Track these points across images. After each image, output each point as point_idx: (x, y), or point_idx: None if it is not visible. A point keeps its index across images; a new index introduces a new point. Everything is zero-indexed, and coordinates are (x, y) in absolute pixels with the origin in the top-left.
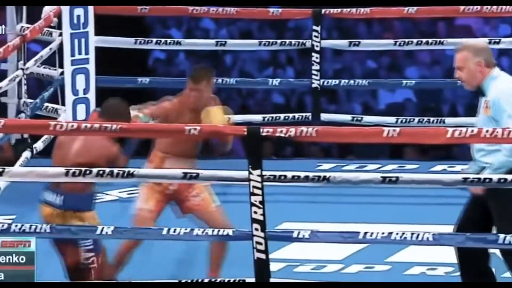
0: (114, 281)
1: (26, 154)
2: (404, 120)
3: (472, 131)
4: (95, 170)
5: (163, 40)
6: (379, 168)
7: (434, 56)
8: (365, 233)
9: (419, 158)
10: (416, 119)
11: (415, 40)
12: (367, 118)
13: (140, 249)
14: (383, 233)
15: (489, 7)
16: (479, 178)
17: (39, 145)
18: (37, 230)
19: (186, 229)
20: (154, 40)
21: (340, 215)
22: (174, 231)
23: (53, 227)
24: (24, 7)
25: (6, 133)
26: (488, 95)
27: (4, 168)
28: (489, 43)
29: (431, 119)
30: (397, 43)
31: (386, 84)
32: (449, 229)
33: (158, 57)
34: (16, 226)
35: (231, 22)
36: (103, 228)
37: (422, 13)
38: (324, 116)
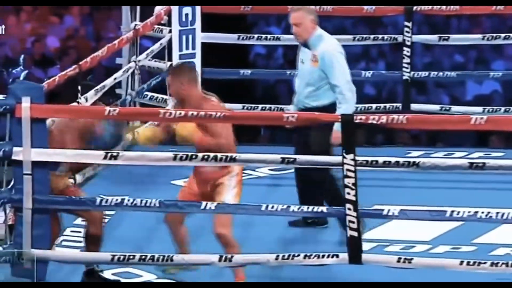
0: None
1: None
2: (490, 110)
3: None
4: (200, 155)
5: (263, 36)
6: (466, 155)
7: None
8: (452, 211)
9: (505, 147)
10: (503, 109)
11: (502, 35)
12: (455, 108)
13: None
14: (469, 211)
15: None
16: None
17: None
18: (147, 205)
19: (283, 206)
20: (256, 36)
21: (427, 200)
22: (272, 208)
23: (162, 202)
24: (138, 7)
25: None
26: (316, 49)
27: (119, 152)
28: None
29: None
30: (485, 38)
31: (474, 76)
32: None
33: (259, 52)
34: (128, 200)
35: (325, 19)
36: (206, 204)
37: (509, 10)
38: (414, 106)
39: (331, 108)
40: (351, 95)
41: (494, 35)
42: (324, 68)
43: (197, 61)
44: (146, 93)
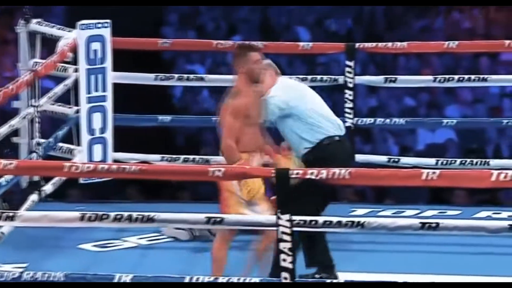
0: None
1: (33, 197)
2: (445, 162)
3: None
4: (112, 214)
5: (185, 76)
6: (418, 214)
7: (476, 93)
8: None
9: (464, 203)
10: (458, 160)
11: (456, 77)
12: (405, 160)
13: None
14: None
15: None
16: None
17: (48, 188)
18: (51, 279)
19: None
20: (176, 76)
21: (374, 265)
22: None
23: (67, 275)
24: (38, 43)
25: (17, 175)
26: None
27: (16, 212)
28: None
29: (474, 160)
30: (437, 80)
31: (425, 123)
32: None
33: (180, 95)
34: (28, 274)
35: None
36: (119, 276)
37: (464, 48)
38: (358, 157)
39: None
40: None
41: (447, 76)
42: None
43: (108, 105)
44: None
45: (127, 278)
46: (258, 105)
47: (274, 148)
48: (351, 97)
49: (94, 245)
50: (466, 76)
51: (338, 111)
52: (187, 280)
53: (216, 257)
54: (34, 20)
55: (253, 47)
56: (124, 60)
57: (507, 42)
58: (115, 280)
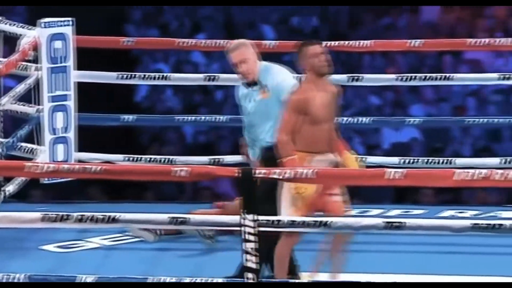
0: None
1: None
2: (408, 161)
3: (481, 173)
4: (75, 214)
5: (147, 74)
6: (383, 213)
7: (440, 92)
8: None
9: (429, 202)
10: (421, 159)
11: (419, 75)
12: (370, 159)
13: None
14: None
15: (498, 40)
16: (489, 224)
17: (11, 188)
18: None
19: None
20: (138, 74)
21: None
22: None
23: (30, 276)
24: (0, 41)
25: None
26: (267, 81)
27: None
28: (501, 78)
29: (438, 159)
30: (400, 78)
31: (390, 122)
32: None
33: (144, 94)
34: None
35: (223, 55)
36: (82, 276)
37: (428, 47)
38: None
39: None
40: None
41: (410, 75)
42: (278, 94)
43: (71, 104)
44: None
45: (90, 279)
46: (326, 103)
47: (343, 146)
48: None
49: (57, 246)
50: (430, 75)
51: None
52: (150, 280)
53: (280, 259)
54: None
55: (312, 41)
56: (92, 58)
57: (469, 40)
58: (78, 281)
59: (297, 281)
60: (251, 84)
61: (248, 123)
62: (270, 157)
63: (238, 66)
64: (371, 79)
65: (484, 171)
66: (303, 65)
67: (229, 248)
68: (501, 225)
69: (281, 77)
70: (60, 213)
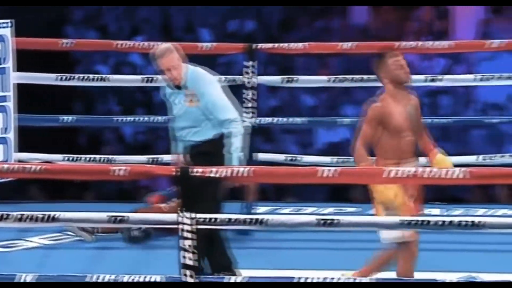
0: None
1: None
2: (340, 160)
3: (410, 171)
4: (14, 214)
5: (86, 76)
6: (317, 211)
7: (370, 93)
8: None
9: (362, 201)
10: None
11: (349, 77)
12: (304, 158)
13: None
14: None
15: (425, 43)
16: (417, 221)
17: None
18: None
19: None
20: (78, 76)
21: (275, 262)
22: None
23: None
24: None
25: None
26: (194, 88)
27: None
28: (428, 80)
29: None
30: (331, 80)
31: (322, 122)
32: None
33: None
34: None
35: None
36: (22, 275)
37: (358, 49)
38: (259, 156)
39: (219, 140)
40: (240, 127)
41: (341, 76)
42: (207, 108)
43: (11, 105)
44: None
45: (29, 278)
46: (407, 115)
47: (433, 147)
48: (249, 97)
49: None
50: (359, 76)
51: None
52: (88, 279)
53: (405, 277)
54: None
55: (391, 52)
56: (31, 60)
57: (397, 43)
58: (17, 280)
59: (232, 278)
60: (178, 87)
61: (174, 123)
62: (196, 153)
63: (167, 72)
64: (303, 80)
65: (412, 169)
66: (383, 76)
67: (168, 246)
68: (429, 221)
69: (208, 86)
70: (3, 213)
